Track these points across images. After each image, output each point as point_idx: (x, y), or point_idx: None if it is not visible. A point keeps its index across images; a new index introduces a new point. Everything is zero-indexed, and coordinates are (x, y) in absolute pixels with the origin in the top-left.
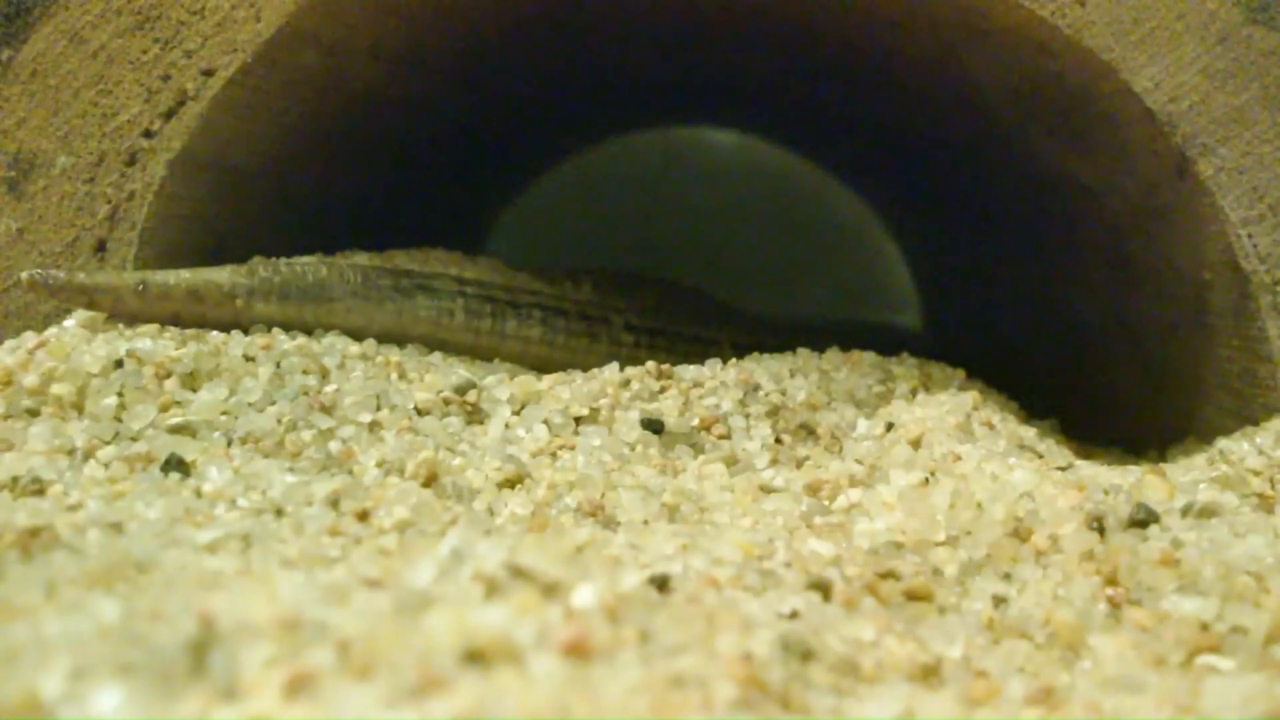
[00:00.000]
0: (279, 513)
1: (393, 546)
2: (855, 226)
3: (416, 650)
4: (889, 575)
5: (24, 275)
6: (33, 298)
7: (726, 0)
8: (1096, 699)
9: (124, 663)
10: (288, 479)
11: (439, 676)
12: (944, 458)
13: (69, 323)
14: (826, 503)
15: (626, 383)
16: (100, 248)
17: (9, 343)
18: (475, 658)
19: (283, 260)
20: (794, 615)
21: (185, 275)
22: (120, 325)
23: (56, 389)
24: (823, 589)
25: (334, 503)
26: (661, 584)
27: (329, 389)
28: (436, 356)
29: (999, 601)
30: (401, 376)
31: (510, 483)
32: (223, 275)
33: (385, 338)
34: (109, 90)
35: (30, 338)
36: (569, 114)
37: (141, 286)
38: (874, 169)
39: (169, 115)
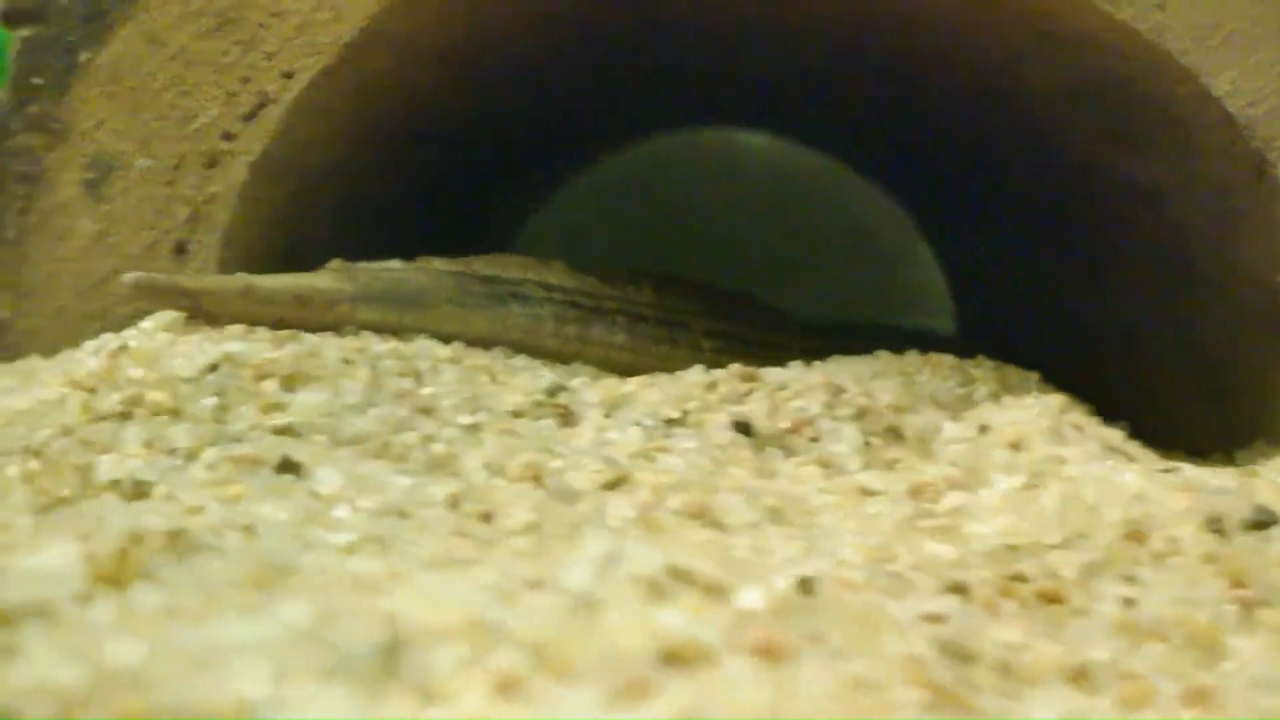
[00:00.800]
0: (402, 515)
1: (528, 548)
2: (888, 231)
3: (610, 652)
4: (1017, 578)
5: (127, 278)
6: (110, 300)
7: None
8: (1251, 699)
9: (322, 666)
10: (402, 481)
11: (644, 679)
12: (1046, 460)
13: (146, 324)
14: (929, 506)
15: (713, 385)
16: (180, 250)
17: (90, 344)
18: (671, 659)
19: (379, 265)
20: (938, 618)
21: (289, 280)
22: (206, 326)
23: (148, 391)
24: (961, 592)
25: (454, 504)
26: (806, 586)
27: (424, 391)
28: (521, 359)
29: (1128, 604)
30: (492, 379)
31: (612, 485)
32: (326, 281)
33: (477, 343)
34: (188, 92)
35: (111, 339)
36: (607, 114)
37: (247, 291)
38: (912, 173)
39: (249, 118)
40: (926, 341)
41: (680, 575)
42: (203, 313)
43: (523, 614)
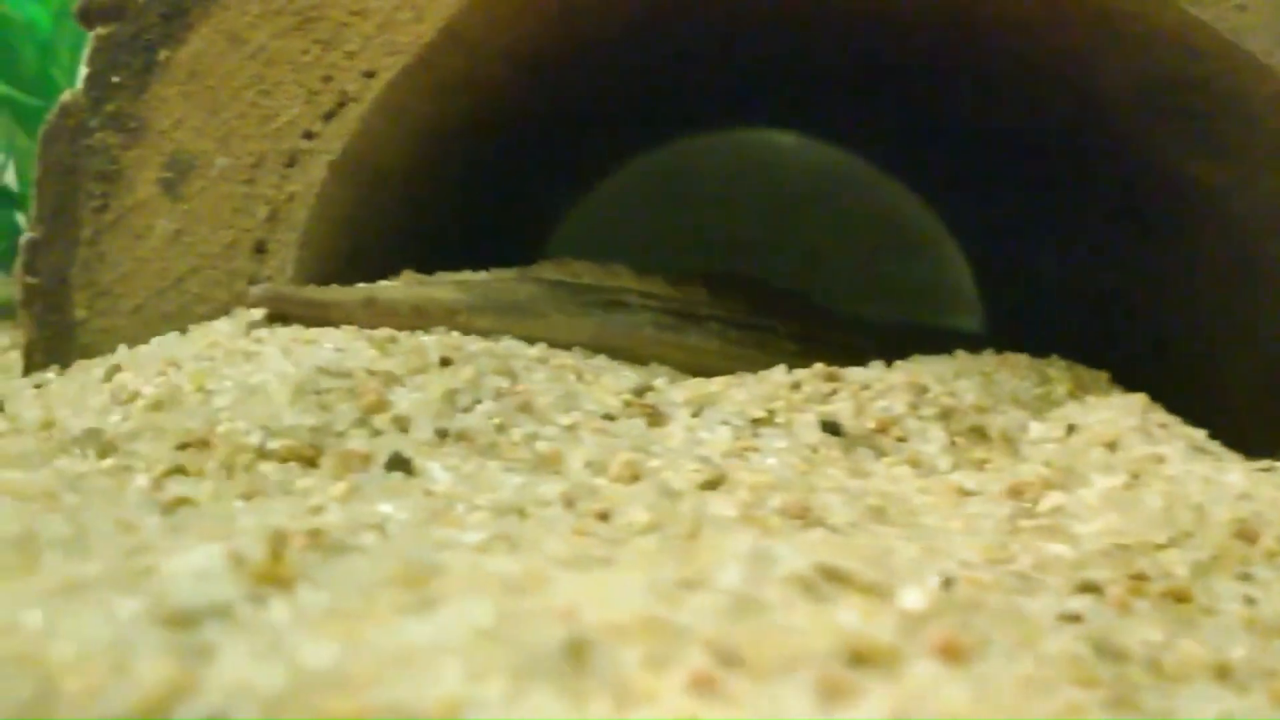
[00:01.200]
0: (521, 514)
1: (655, 547)
2: (916, 230)
3: (796, 652)
4: (1139, 577)
5: (256, 290)
6: (188, 299)
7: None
8: None
9: (513, 665)
10: (513, 480)
11: (840, 678)
12: (1143, 460)
13: (221, 324)
14: (1028, 506)
15: (797, 385)
16: (259, 249)
17: (185, 346)
18: (860, 659)
19: (490, 275)
20: (1076, 618)
21: (410, 292)
22: (294, 327)
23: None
24: (1092, 591)
25: (569, 504)
26: (948, 585)
27: (520, 389)
28: (601, 359)
29: (1249, 602)
30: (579, 378)
31: (711, 484)
32: (443, 292)
33: (559, 344)
34: (268, 91)
35: (201, 337)
36: (645, 112)
37: (369, 303)
38: (945, 173)
39: (329, 117)
40: (975, 342)
41: (832, 575)
42: (332, 323)
43: (691, 613)
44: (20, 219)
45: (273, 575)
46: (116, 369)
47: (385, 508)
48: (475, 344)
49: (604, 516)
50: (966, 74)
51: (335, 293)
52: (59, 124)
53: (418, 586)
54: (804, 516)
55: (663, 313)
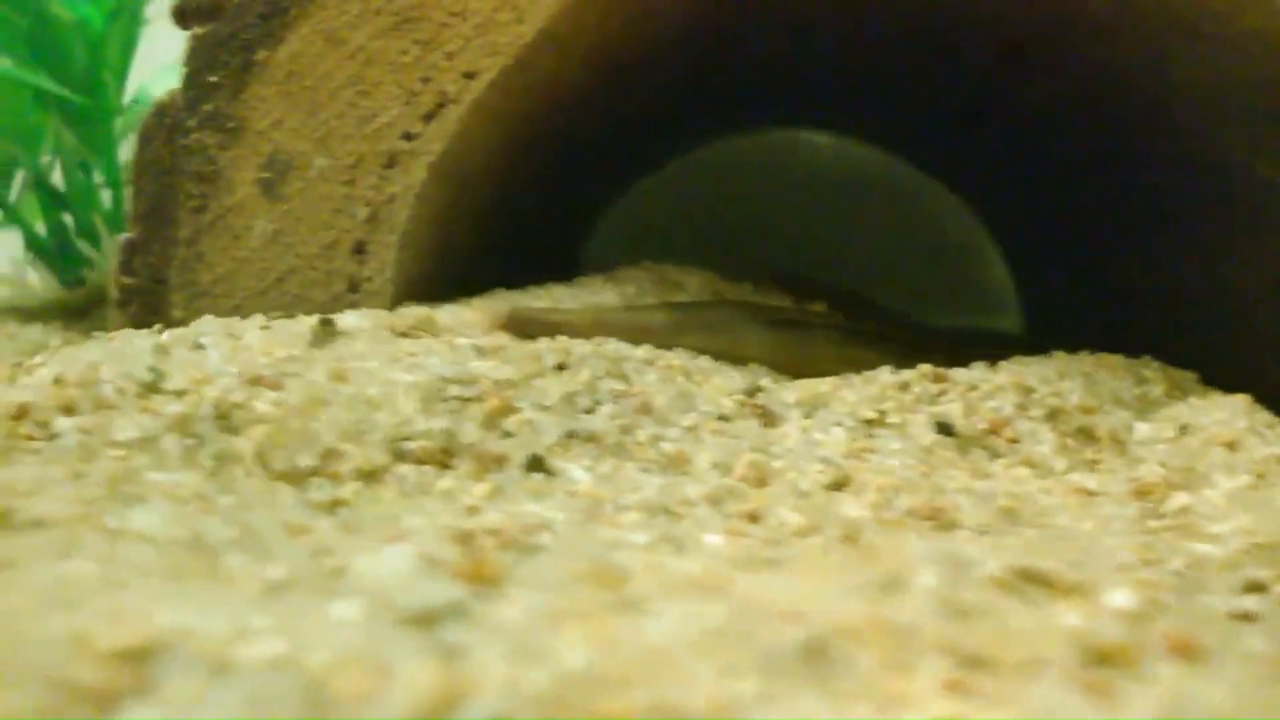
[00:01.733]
0: (669, 513)
1: (820, 548)
2: (953, 230)
3: (1034, 653)
4: None
5: (505, 309)
6: (287, 300)
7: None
8: None
9: (759, 665)
10: (652, 480)
11: (1094, 678)
12: (1266, 460)
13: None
14: (1154, 506)
15: (905, 385)
16: (359, 250)
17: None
18: (1100, 659)
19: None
20: (1251, 616)
21: (630, 314)
22: (393, 328)
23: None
24: (1259, 590)
25: (715, 503)
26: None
27: (636, 391)
28: (704, 360)
29: None
30: (688, 379)
31: (837, 485)
32: (659, 314)
33: (724, 357)
34: (367, 91)
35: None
36: (690, 113)
37: (598, 323)
38: (987, 173)
39: (428, 118)
40: (1035, 347)
41: (1031, 577)
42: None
43: (910, 615)
44: (67, 219)
45: (478, 574)
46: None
47: (533, 507)
48: (584, 347)
49: (754, 518)
50: (1021, 76)
51: (570, 313)
52: (155, 123)
53: (615, 586)
54: (936, 518)
55: (826, 329)
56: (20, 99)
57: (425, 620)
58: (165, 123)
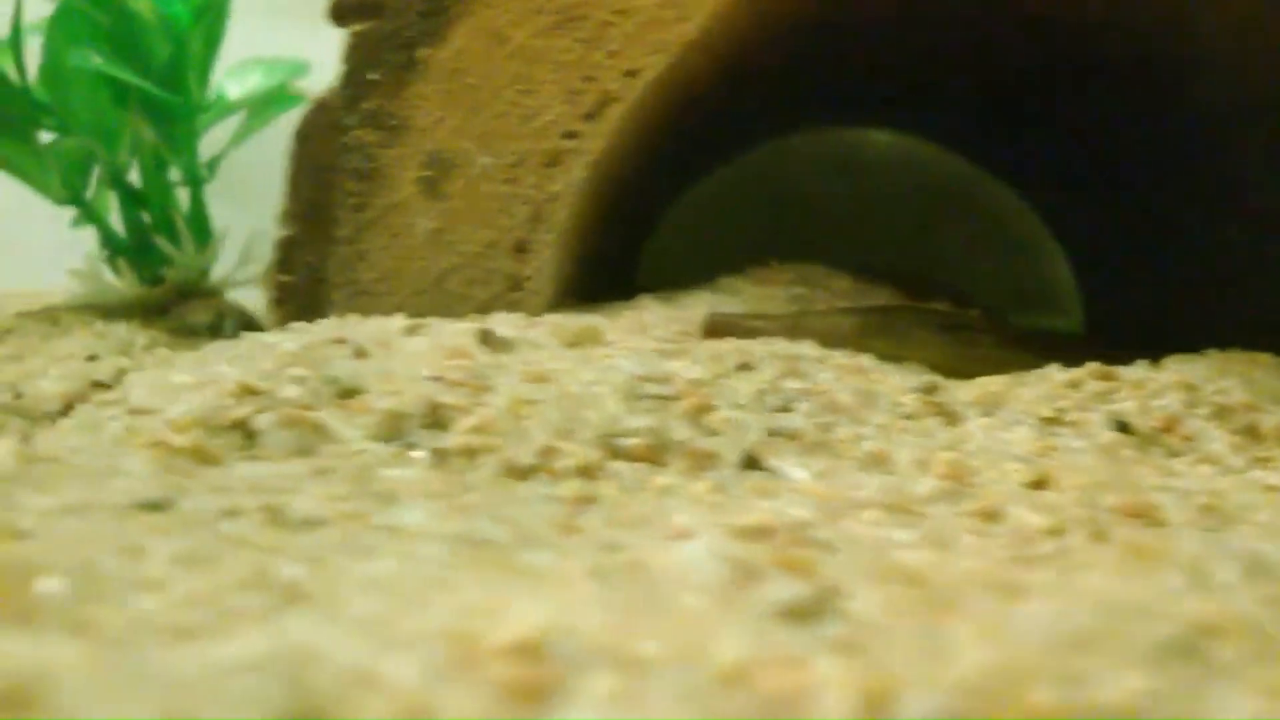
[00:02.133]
0: (908, 512)
1: (1082, 546)
2: (1015, 229)
3: None
4: None
5: (707, 316)
6: (449, 298)
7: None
8: None
9: (1142, 659)
10: (870, 478)
11: None
12: None
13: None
14: None
15: (1075, 384)
16: (520, 249)
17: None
18: None
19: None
20: None
21: (817, 316)
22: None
23: (538, 392)
24: None
25: (951, 501)
26: None
27: (820, 389)
28: (866, 359)
29: None
30: (863, 376)
31: (1038, 484)
32: (844, 318)
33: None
34: (530, 90)
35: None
36: (764, 111)
37: (794, 328)
38: (1050, 172)
39: (590, 116)
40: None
41: None
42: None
43: (1241, 608)
44: (145, 217)
45: (793, 570)
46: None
47: (769, 504)
48: (758, 347)
49: (990, 516)
50: (1083, 76)
51: (769, 321)
52: (314, 121)
53: (917, 583)
54: (1143, 515)
55: (979, 332)
56: (99, 96)
57: (794, 615)
58: (324, 120)
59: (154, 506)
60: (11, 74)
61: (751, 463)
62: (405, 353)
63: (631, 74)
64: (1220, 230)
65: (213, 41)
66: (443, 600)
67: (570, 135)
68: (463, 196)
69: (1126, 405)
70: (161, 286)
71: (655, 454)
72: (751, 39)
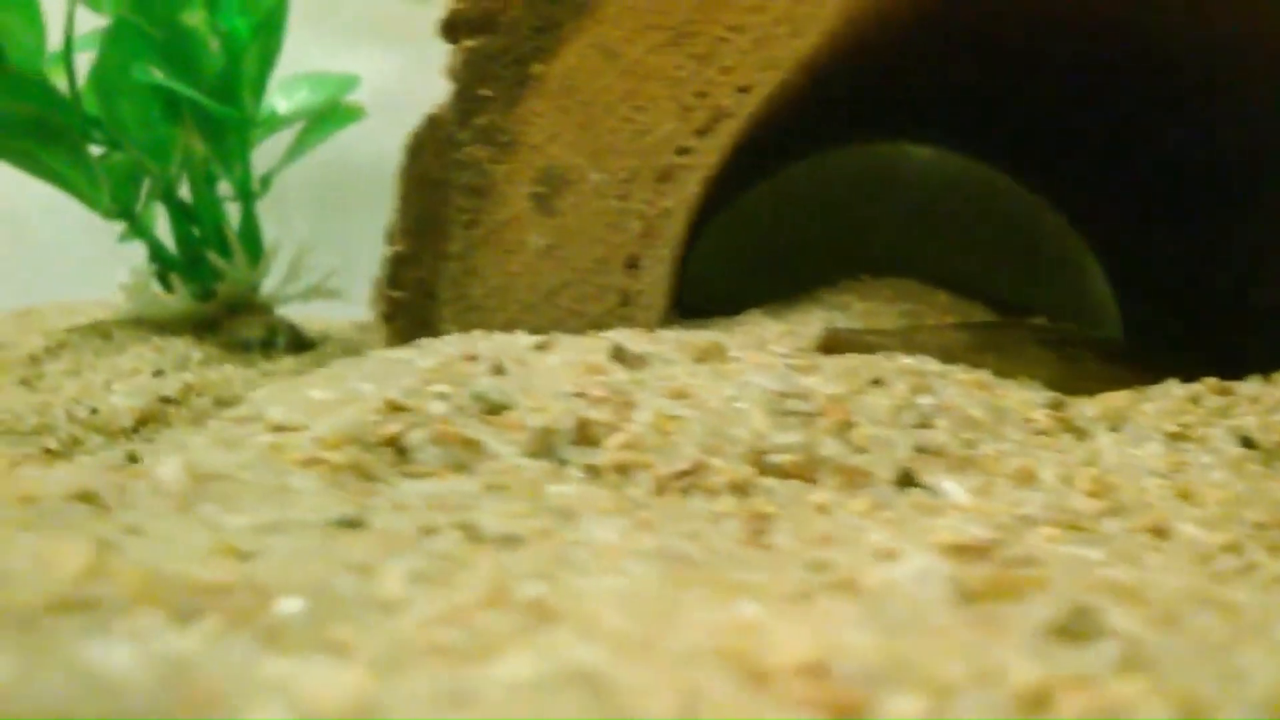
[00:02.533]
0: (1079, 529)
1: (1261, 562)
2: (1052, 241)
3: None
4: None
5: (826, 331)
6: (560, 313)
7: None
8: None
9: None
10: (1030, 494)
11: None
12: None
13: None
14: None
15: (1195, 399)
16: (632, 264)
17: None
18: None
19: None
20: None
21: (932, 331)
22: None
23: (680, 408)
24: None
25: (1116, 517)
26: None
27: (952, 404)
28: (983, 374)
29: None
30: (988, 392)
31: (1179, 500)
32: (959, 334)
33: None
34: (642, 106)
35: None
36: (812, 125)
37: (908, 341)
38: (1093, 183)
39: (702, 132)
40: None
41: None
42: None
43: None
44: (195, 231)
45: (1012, 590)
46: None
47: (942, 522)
48: (885, 363)
49: (1162, 534)
50: (1126, 89)
51: (885, 336)
52: (425, 137)
53: (1145, 603)
54: None
55: (1083, 347)
56: (151, 109)
57: (1064, 635)
58: (436, 136)
59: (351, 524)
60: (62, 87)
61: (905, 479)
62: (542, 369)
63: (744, 90)
64: (1262, 244)
65: (268, 56)
66: (689, 618)
67: (683, 151)
68: (574, 212)
69: (1247, 420)
70: (212, 301)
71: (806, 470)
72: (844, 57)
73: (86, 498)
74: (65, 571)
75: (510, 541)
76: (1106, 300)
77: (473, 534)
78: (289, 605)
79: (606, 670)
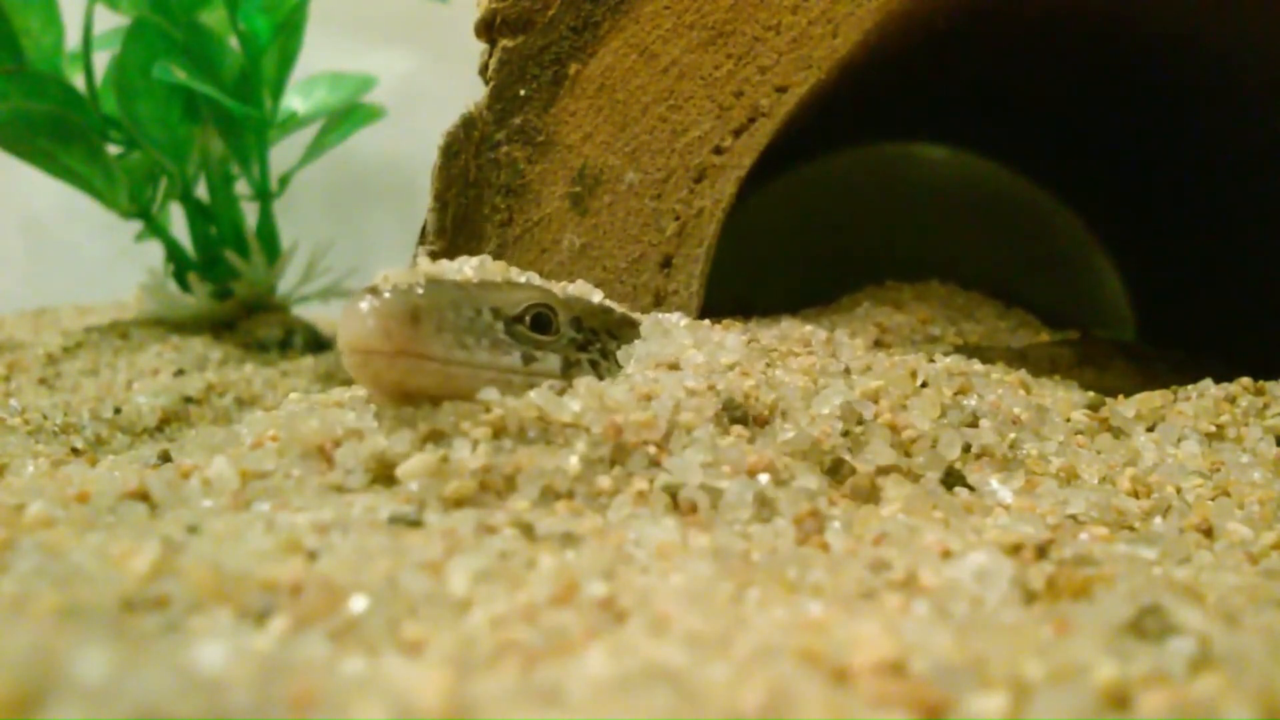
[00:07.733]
0: (1128, 528)
1: None
2: (1065, 242)
3: None
4: None
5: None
6: None
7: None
8: None
9: None
10: (1074, 494)
11: None
12: None
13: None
14: None
15: (1231, 399)
16: (666, 264)
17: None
18: None
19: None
20: None
21: (1041, 348)
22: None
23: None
24: None
25: (1162, 516)
26: None
27: (997, 405)
28: (1023, 374)
29: None
30: (1030, 392)
31: (1220, 498)
32: (1065, 350)
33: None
34: (679, 106)
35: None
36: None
37: (1020, 354)
38: (1106, 184)
39: (739, 132)
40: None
41: None
42: None
43: None
44: (212, 231)
45: (1081, 589)
46: None
47: (993, 521)
48: (929, 365)
49: (1209, 533)
50: (1146, 92)
51: (995, 351)
52: (461, 136)
53: (1202, 600)
54: None
55: (1159, 358)
56: (169, 109)
57: (1137, 633)
58: (472, 135)
59: (410, 523)
60: (80, 86)
61: (953, 478)
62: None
63: (781, 90)
64: (1270, 245)
65: (288, 57)
66: (757, 617)
67: (719, 151)
68: (610, 212)
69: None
70: (230, 301)
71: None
72: (878, 57)
73: (141, 496)
74: (134, 570)
75: (568, 540)
76: (1119, 301)
77: (528, 532)
78: (359, 604)
79: (687, 668)
